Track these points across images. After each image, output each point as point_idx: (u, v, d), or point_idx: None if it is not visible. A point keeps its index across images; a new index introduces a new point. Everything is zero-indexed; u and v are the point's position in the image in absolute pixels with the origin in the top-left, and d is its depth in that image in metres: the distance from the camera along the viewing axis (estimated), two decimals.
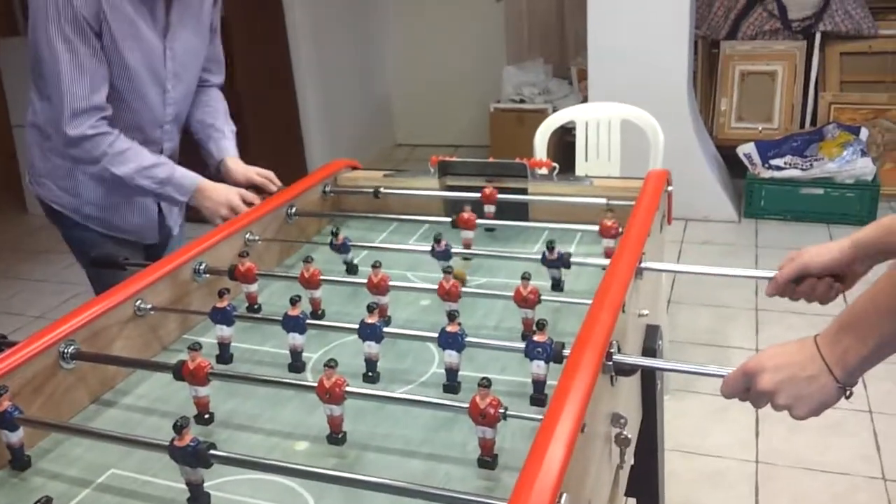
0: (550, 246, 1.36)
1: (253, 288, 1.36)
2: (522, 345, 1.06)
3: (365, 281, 1.30)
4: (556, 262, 1.36)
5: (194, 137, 1.96)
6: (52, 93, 1.64)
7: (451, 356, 1.10)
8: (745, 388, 0.95)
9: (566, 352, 1.03)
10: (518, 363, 1.17)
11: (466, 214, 1.55)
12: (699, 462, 2.38)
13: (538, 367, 1.05)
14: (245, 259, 1.35)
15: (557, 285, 1.40)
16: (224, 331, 1.22)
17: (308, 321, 1.18)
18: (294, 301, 1.17)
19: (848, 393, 0.90)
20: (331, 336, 1.28)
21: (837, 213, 3.91)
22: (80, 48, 1.58)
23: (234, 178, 1.87)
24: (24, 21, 4.72)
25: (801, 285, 1.17)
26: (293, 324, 1.17)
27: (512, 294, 1.22)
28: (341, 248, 1.52)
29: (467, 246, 1.55)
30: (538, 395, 1.06)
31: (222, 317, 1.21)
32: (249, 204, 1.72)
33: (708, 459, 2.39)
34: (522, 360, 1.16)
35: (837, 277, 1.15)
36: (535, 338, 1.04)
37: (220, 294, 1.21)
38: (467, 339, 1.08)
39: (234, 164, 1.89)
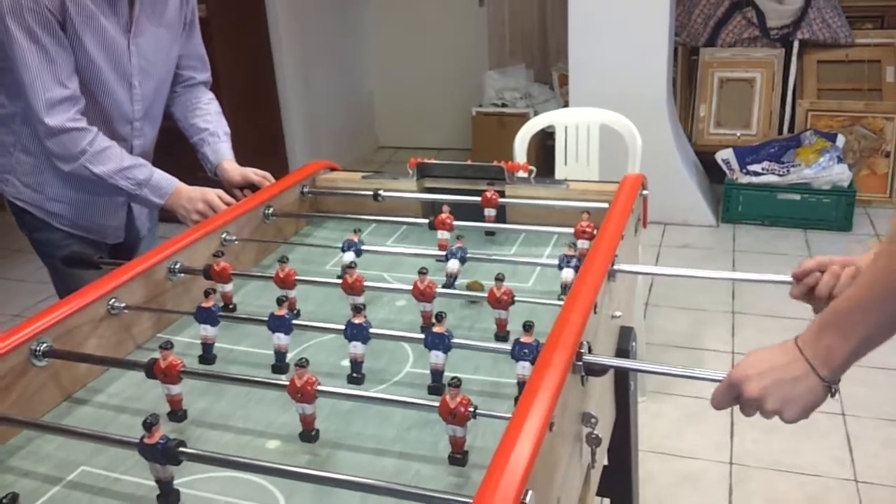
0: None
1: (228, 287, 1.36)
2: (508, 346, 1.06)
3: (339, 282, 1.31)
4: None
5: (189, 140, 1.95)
6: (21, 86, 1.59)
7: (437, 357, 1.11)
8: (734, 398, 0.95)
9: None
10: (491, 363, 1.18)
11: (444, 216, 1.56)
12: (674, 463, 2.41)
13: (524, 367, 1.05)
14: (220, 259, 1.35)
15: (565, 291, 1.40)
16: (208, 330, 1.22)
17: (293, 321, 1.18)
18: (280, 301, 1.17)
19: (833, 390, 0.91)
20: (306, 336, 1.28)
21: (814, 218, 3.96)
22: (45, 39, 1.55)
23: (231, 179, 1.87)
24: None
25: (823, 274, 1.16)
26: (278, 324, 1.17)
27: (486, 295, 1.23)
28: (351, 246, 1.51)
29: (443, 248, 1.55)
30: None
31: (207, 316, 1.21)
32: (227, 204, 1.72)
33: (683, 461, 2.42)
34: (495, 360, 1.18)
35: None
36: (522, 339, 1.05)
37: (206, 294, 1.22)
38: (453, 340, 1.09)
39: (231, 165, 1.89)
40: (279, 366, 1.19)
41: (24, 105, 1.63)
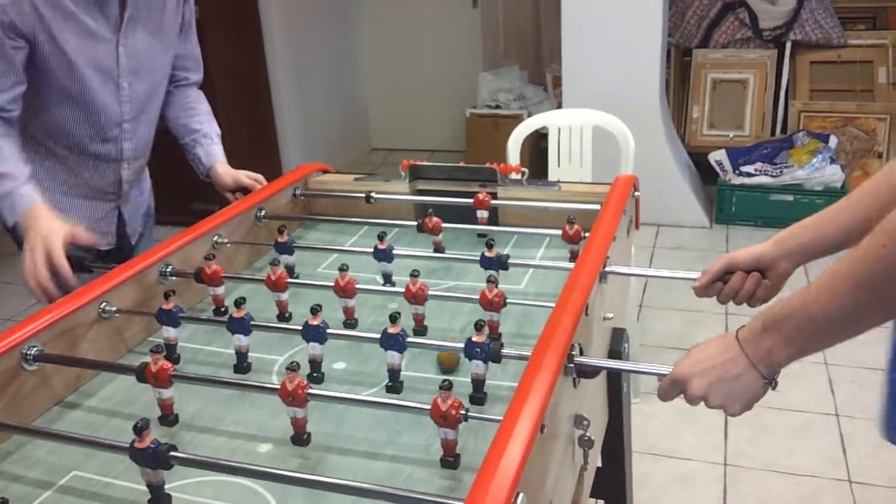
0: (490, 244, 1.38)
1: (220, 290, 1.36)
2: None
3: (332, 284, 1.31)
4: (493, 262, 1.38)
5: (179, 142, 1.93)
6: None
7: (392, 357, 1.11)
8: (680, 392, 0.99)
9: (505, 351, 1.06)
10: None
11: (433, 219, 1.56)
12: (668, 465, 2.41)
13: (477, 366, 1.07)
14: (212, 262, 1.35)
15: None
16: (170, 332, 1.22)
17: (253, 323, 1.18)
18: (315, 311, 1.14)
19: (774, 384, 0.93)
20: (298, 339, 1.28)
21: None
22: None
23: (224, 183, 1.86)
24: None
25: (729, 281, 1.21)
26: (238, 325, 1.17)
27: (478, 297, 1.23)
28: (283, 247, 1.51)
29: (438, 248, 1.56)
30: (477, 395, 1.09)
31: (168, 318, 1.21)
32: (81, 262, 1.47)
33: (677, 462, 2.42)
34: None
35: (764, 276, 1.19)
36: (474, 338, 1.06)
37: (167, 296, 1.21)
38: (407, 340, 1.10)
39: (223, 169, 1.87)
40: (241, 366, 1.19)
41: None
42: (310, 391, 0.98)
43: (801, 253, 1.17)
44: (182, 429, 1.08)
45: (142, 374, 1.05)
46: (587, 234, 1.41)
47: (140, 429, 0.87)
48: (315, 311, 1.13)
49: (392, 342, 1.10)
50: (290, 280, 1.35)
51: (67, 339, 1.18)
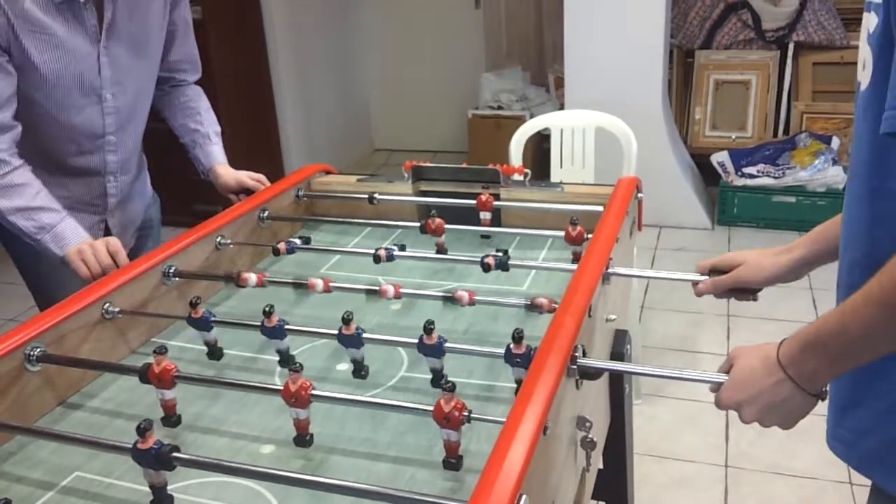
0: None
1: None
2: (501, 350, 1.07)
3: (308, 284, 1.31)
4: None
5: (179, 141, 1.92)
6: None
7: (433, 362, 1.12)
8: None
9: None
10: (485, 368, 1.18)
11: (435, 220, 1.56)
12: (670, 466, 2.41)
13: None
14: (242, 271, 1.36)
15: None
16: (208, 335, 1.23)
17: (287, 327, 1.18)
18: (268, 312, 1.17)
19: (823, 397, 0.93)
20: (300, 340, 1.28)
21: (809, 220, 3.92)
22: None
23: (226, 184, 1.84)
24: None
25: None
26: (273, 331, 1.18)
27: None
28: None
29: (440, 249, 1.56)
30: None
31: (200, 324, 1.22)
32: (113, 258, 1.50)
33: (678, 464, 2.42)
34: (490, 365, 1.18)
35: None
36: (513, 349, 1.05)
37: (192, 304, 1.22)
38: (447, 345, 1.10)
39: (224, 170, 1.85)
40: (284, 364, 1.20)
41: None
42: (313, 392, 0.98)
43: (807, 266, 1.19)
44: (185, 430, 1.08)
45: (145, 375, 1.05)
46: (590, 236, 1.41)
47: (143, 429, 0.87)
48: (348, 319, 1.13)
49: (430, 350, 1.10)
50: (333, 285, 1.34)
51: (70, 340, 1.18)
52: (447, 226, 1.58)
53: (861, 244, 0.93)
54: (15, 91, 1.51)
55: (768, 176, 4.08)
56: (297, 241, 1.57)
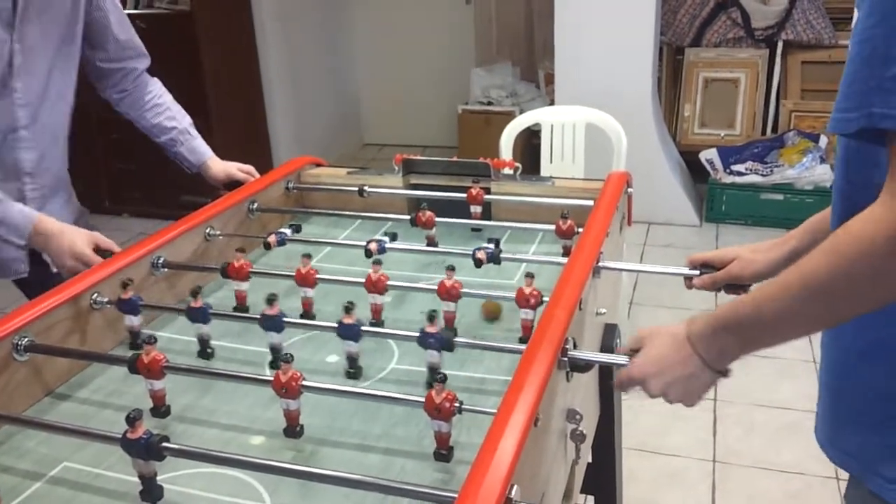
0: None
1: (244, 286, 1.35)
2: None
3: (363, 280, 1.30)
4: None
5: (154, 140, 1.85)
6: None
7: (432, 355, 1.11)
8: (635, 386, 1.02)
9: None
10: (476, 359, 1.18)
11: (426, 213, 1.56)
12: (658, 461, 2.42)
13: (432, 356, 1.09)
14: (241, 256, 1.34)
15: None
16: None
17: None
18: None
19: (726, 374, 0.97)
20: (291, 331, 1.27)
21: (796, 218, 3.90)
22: None
23: (216, 178, 1.83)
24: None
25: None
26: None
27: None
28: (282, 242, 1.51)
29: (431, 242, 1.56)
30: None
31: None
32: (104, 252, 1.45)
33: (667, 458, 2.43)
34: (481, 356, 1.18)
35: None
36: (427, 329, 1.07)
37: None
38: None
39: (214, 163, 1.84)
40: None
41: None
42: (303, 383, 0.98)
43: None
44: (174, 420, 1.07)
45: (134, 365, 1.04)
46: (580, 230, 1.41)
47: (132, 419, 0.86)
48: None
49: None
50: (319, 276, 1.33)
51: (59, 330, 1.17)
52: (438, 219, 1.57)
53: None
54: None
55: (756, 174, 4.10)
56: (287, 231, 1.55)
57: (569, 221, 1.47)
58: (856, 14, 0.86)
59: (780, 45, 4.46)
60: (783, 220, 4.00)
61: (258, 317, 1.18)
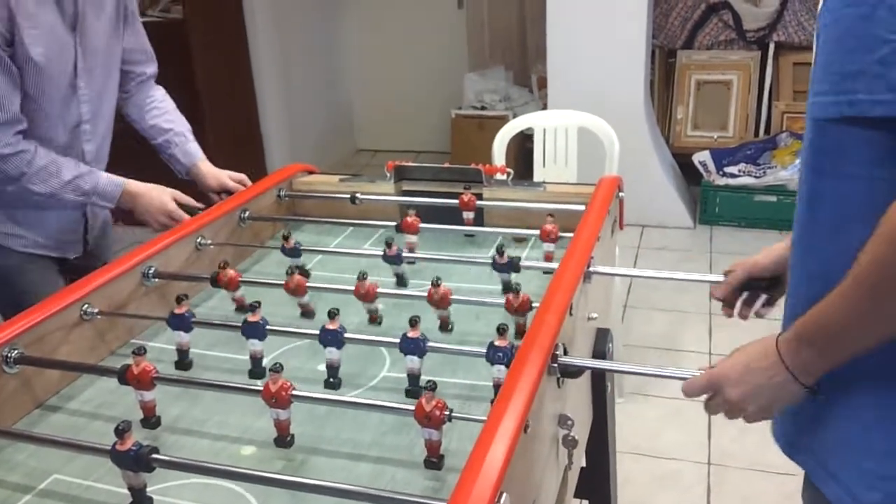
0: (500, 250, 1.37)
1: (239, 294, 1.36)
2: (483, 350, 1.07)
3: (352, 288, 1.30)
4: (506, 266, 1.38)
5: (151, 143, 1.89)
6: None
7: (412, 361, 1.11)
8: (708, 393, 0.96)
9: None
10: (466, 366, 1.18)
11: (410, 219, 1.56)
12: (653, 464, 2.42)
13: (499, 371, 1.05)
14: (228, 268, 1.35)
15: (508, 288, 1.41)
16: (182, 337, 1.21)
17: (268, 327, 1.17)
18: (254, 307, 1.17)
19: (816, 391, 0.90)
20: (281, 341, 1.27)
21: (790, 220, 3.88)
22: None
23: (207, 184, 1.84)
24: None
25: (746, 297, 1.23)
26: (252, 330, 1.16)
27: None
28: (292, 252, 1.52)
29: (411, 249, 1.56)
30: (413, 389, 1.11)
31: (180, 323, 1.20)
32: (189, 209, 1.68)
33: (661, 461, 2.43)
34: (471, 363, 1.18)
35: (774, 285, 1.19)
36: (497, 342, 1.05)
37: (179, 300, 1.21)
38: (429, 344, 1.10)
39: (207, 168, 1.85)
40: (256, 371, 1.19)
41: None
42: (293, 392, 0.98)
43: None
44: (164, 431, 1.07)
45: (123, 376, 1.04)
46: (568, 235, 1.41)
47: (122, 431, 0.86)
48: (333, 314, 1.13)
49: (413, 346, 1.09)
50: (309, 284, 1.33)
51: (49, 342, 1.17)
52: (430, 225, 1.57)
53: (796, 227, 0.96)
54: (19, 86, 1.54)
55: (749, 175, 4.11)
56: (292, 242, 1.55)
57: (554, 223, 1.43)
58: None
59: (771, 46, 4.48)
60: (777, 221, 4.01)
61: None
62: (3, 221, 1.68)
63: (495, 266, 1.38)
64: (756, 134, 4.54)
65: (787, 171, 4.01)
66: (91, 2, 1.63)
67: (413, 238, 1.56)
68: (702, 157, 4.27)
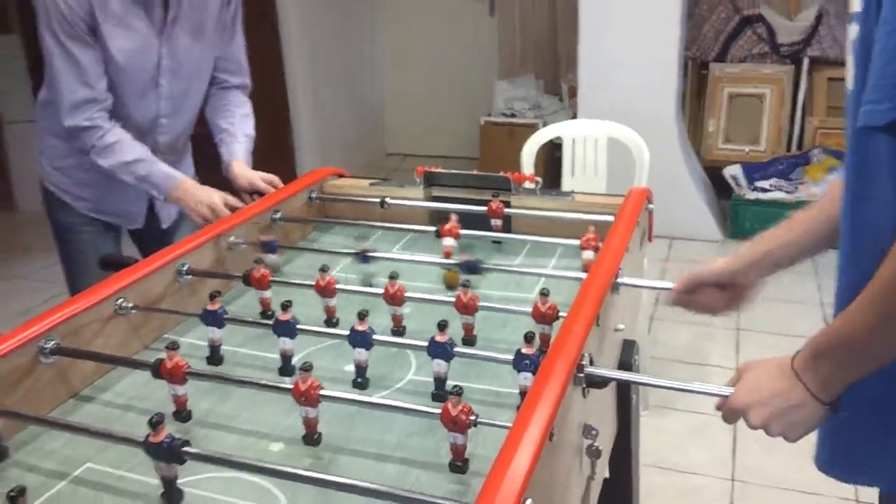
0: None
1: (267, 294, 1.38)
2: (510, 356, 1.07)
3: (381, 291, 1.32)
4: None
5: (213, 139, 2.00)
6: (53, 86, 1.74)
7: (439, 365, 1.12)
8: (735, 419, 0.97)
9: None
10: (492, 372, 1.19)
11: (449, 225, 1.57)
12: (676, 478, 2.40)
13: (525, 378, 1.06)
14: (260, 266, 1.37)
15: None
16: (215, 333, 1.23)
17: (298, 326, 1.19)
18: (285, 306, 1.19)
19: (836, 407, 0.91)
20: (311, 340, 1.29)
21: None
22: (71, 45, 1.66)
23: (239, 183, 1.89)
24: (18, 18, 4.72)
25: (698, 295, 1.21)
26: (284, 328, 1.18)
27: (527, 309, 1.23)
28: (365, 258, 1.54)
29: (447, 255, 1.56)
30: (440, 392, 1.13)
31: (213, 319, 1.22)
32: (233, 208, 1.75)
33: (685, 476, 2.41)
34: (497, 370, 1.19)
35: (734, 290, 1.19)
36: (524, 350, 1.06)
37: (212, 297, 1.23)
38: (456, 349, 1.11)
39: (240, 168, 1.91)
40: (285, 369, 1.21)
41: (55, 102, 1.74)
42: (322, 392, 0.99)
43: (770, 264, 1.17)
44: (195, 425, 1.09)
45: (157, 370, 1.06)
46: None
47: (155, 423, 0.88)
48: (362, 316, 1.15)
49: (440, 350, 1.10)
50: (338, 286, 1.35)
51: (84, 334, 1.20)
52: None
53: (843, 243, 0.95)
54: (103, 69, 1.70)
55: (781, 190, 4.08)
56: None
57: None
58: (853, 28, 0.87)
59: (805, 61, 4.44)
60: None
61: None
62: (75, 184, 1.89)
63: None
64: (788, 149, 4.50)
65: (819, 188, 3.97)
66: (183, 13, 1.76)
67: (452, 243, 1.57)
68: (733, 171, 4.24)
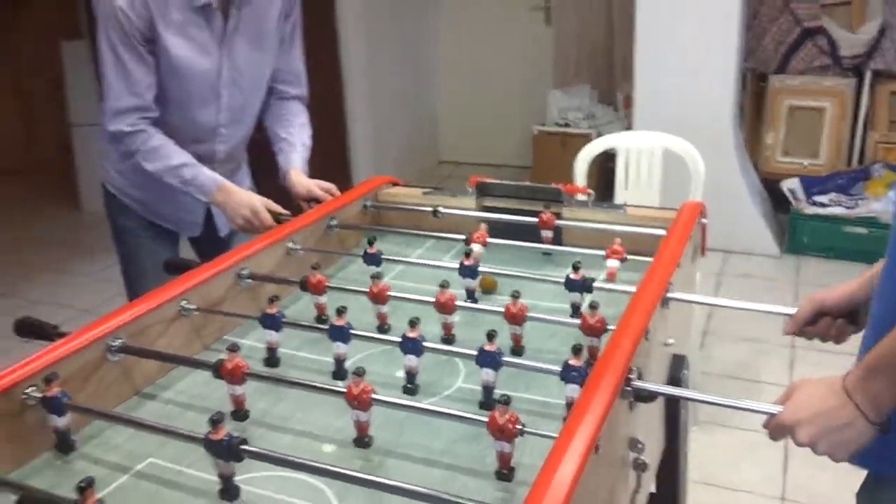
0: (577, 266, 1.38)
1: (322, 299, 1.42)
2: (558, 368, 1.09)
3: (433, 300, 1.35)
4: (578, 284, 1.39)
5: (271, 148, 2.05)
6: (103, 91, 1.80)
7: (487, 374, 1.14)
8: (782, 437, 0.98)
9: None
10: (539, 383, 1.21)
11: (477, 233, 1.61)
12: (725, 496, 2.37)
13: (572, 390, 1.07)
14: (316, 272, 1.41)
15: (576, 309, 1.41)
16: (272, 336, 1.28)
17: (351, 331, 1.22)
18: (340, 312, 1.22)
19: (885, 429, 0.91)
20: (364, 345, 1.32)
21: (880, 253, 3.82)
22: (124, 54, 1.72)
23: (296, 192, 1.94)
24: (87, 24, 4.90)
25: (817, 325, 1.19)
26: (338, 333, 1.22)
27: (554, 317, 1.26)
28: (373, 258, 1.57)
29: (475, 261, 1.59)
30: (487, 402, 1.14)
31: (272, 322, 1.27)
32: (276, 216, 1.79)
33: (734, 494, 2.38)
34: (544, 380, 1.20)
35: (852, 318, 1.17)
36: (571, 361, 1.07)
37: (271, 301, 1.28)
38: (504, 358, 1.13)
39: (297, 176, 1.95)
40: (339, 373, 1.24)
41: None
42: (374, 396, 1.02)
43: None
44: (251, 424, 1.13)
45: (217, 370, 1.11)
46: (643, 259, 1.41)
47: (216, 421, 0.92)
48: (413, 323, 1.18)
49: (489, 360, 1.13)
50: (391, 293, 1.38)
51: (148, 334, 1.25)
52: (509, 241, 1.60)
53: None
54: (154, 80, 1.75)
55: (840, 205, 3.99)
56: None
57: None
58: None
59: (868, 74, 4.34)
60: (867, 254, 3.85)
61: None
62: (135, 188, 1.95)
63: (568, 284, 1.40)
64: (848, 163, 4.39)
65: (879, 204, 3.88)
66: (244, 25, 1.80)
67: (478, 248, 1.59)
68: (791, 185, 4.16)
